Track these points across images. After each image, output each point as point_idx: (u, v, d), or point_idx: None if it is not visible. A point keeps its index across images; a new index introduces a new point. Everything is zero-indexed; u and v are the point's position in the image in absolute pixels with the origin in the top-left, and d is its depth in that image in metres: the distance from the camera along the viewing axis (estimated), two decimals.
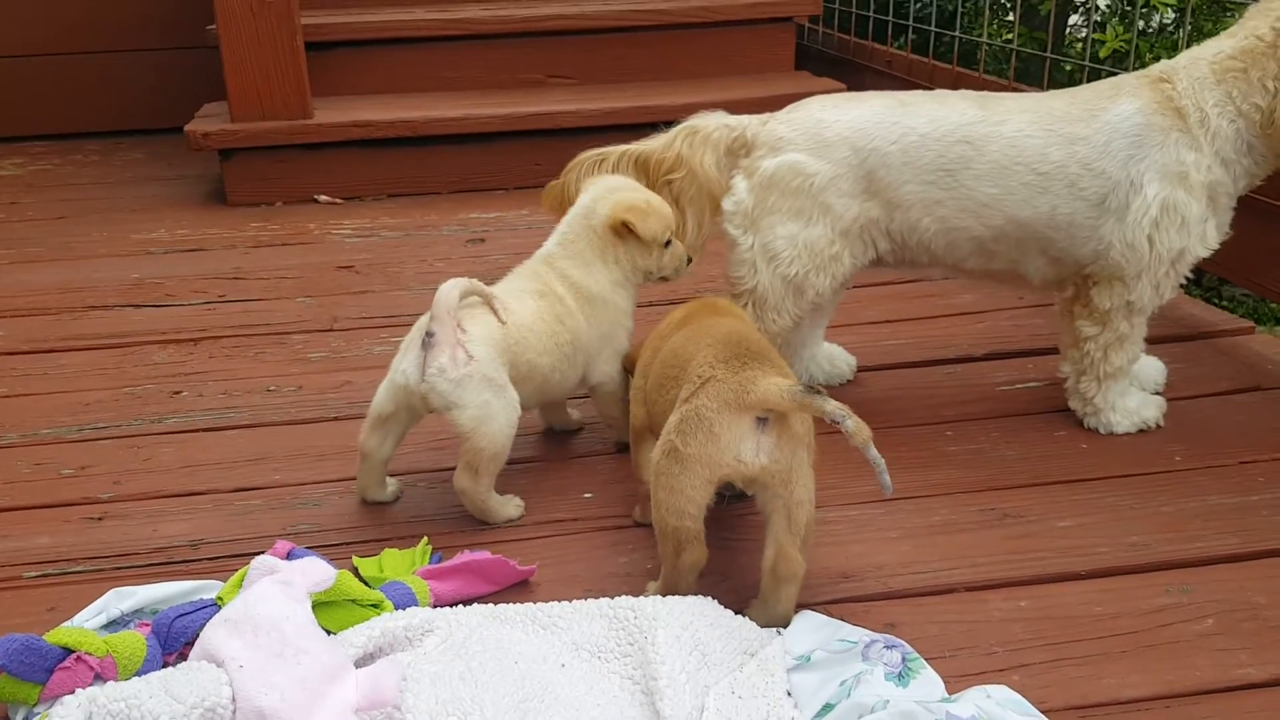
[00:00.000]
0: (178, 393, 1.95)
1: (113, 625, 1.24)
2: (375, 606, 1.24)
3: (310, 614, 1.14)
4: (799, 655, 1.18)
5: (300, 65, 3.08)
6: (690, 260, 1.68)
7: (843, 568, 1.38)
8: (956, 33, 3.12)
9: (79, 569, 1.43)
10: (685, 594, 1.26)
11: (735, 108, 1.81)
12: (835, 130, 1.66)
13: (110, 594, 1.27)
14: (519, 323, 1.49)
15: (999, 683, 1.14)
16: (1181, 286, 1.68)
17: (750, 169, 1.71)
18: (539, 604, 1.27)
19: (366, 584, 1.29)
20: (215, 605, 1.20)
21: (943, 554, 1.41)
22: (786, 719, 1.10)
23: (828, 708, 1.10)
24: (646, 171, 1.78)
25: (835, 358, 1.93)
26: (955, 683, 1.15)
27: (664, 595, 1.26)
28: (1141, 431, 1.70)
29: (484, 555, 1.34)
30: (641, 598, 1.25)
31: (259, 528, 1.51)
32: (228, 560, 1.43)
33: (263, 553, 1.27)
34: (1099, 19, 3.86)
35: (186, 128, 3.06)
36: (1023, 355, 1.99)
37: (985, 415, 1.77)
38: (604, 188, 1.63)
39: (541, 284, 1.57)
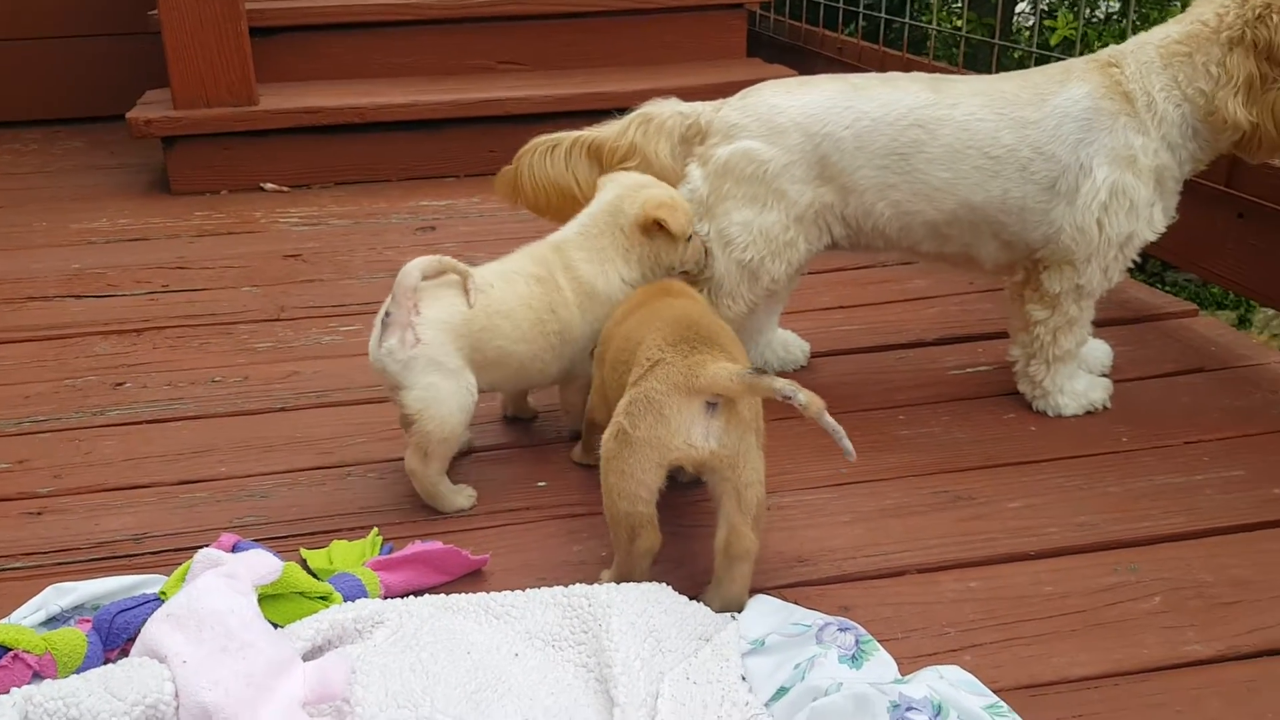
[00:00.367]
0: (120, 384, 1.90)
1: (52, 622, 1.21)
2: (324, 599, 1.22)
3: (256, 607, 1.11)
4: (754, 639, 1.17)
5: (245, 50, 3.02)
6: (708, 252, 1.68)
7: (797, 552, 1.38)
8: (906, 19, 3.13)
9: (17, 565, 1.39)
10: (640, 580, 1.25)
11: (688, 94, 1.80)
12: (788, 116, 1.65)
13: (50, 590, 1.24)
14: (495, 308, 1.47)
15: (951, 663, 1.15)
16: (1128, 270, 1.70)
17: (705, 157, 1.70)
18: (492, 593, 1.26)
19: (315, 576, 1.27)
20: (158, 600, 1.17)
21: (895, 537, 1.41)
22: (741, 703, 1.10)
23: (782, 691, 1.10)
24: (599, 159, 1.77)
25: (790, 344, 1.93)
26: (908, 664, 1.16)
27: (618, 582, 1.25)
28: (1089, 413, 1.72)
29: (435, 545, 1.32)
30: (595, 585, 1.24)
31: (204, 521, 1.48)
32: (172, 554, 1.40)
33: (208, 546, 1.24)
34: (1045, 7, 3.90)
35: (128, 115, 2.99)
36: (973, 340, 2.00)
37: (937, 399, 1.79)
38: (627, 185, 1.61)
39: (543, 270, 1.54)
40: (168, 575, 1.23)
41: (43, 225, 2.80)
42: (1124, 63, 1.60)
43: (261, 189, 3.08)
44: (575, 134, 1.79)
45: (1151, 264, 3.28)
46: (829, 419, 1.16)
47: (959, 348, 1.98)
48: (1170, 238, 1.67)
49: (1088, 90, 1.59)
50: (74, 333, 2.12)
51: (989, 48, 2.94)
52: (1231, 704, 1.12)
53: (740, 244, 1.67)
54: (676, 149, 1.75)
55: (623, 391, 1.27)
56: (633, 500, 1.21)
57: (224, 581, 1.10)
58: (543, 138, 1.79)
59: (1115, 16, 3.89)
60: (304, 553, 1.37)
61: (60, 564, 1.39)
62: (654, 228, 1.55)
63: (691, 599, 1.24)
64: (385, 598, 1.26)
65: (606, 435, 1.23)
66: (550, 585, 1.27)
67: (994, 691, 1.10)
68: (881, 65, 3.09)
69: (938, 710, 1.02)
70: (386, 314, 1.42)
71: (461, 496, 1.50)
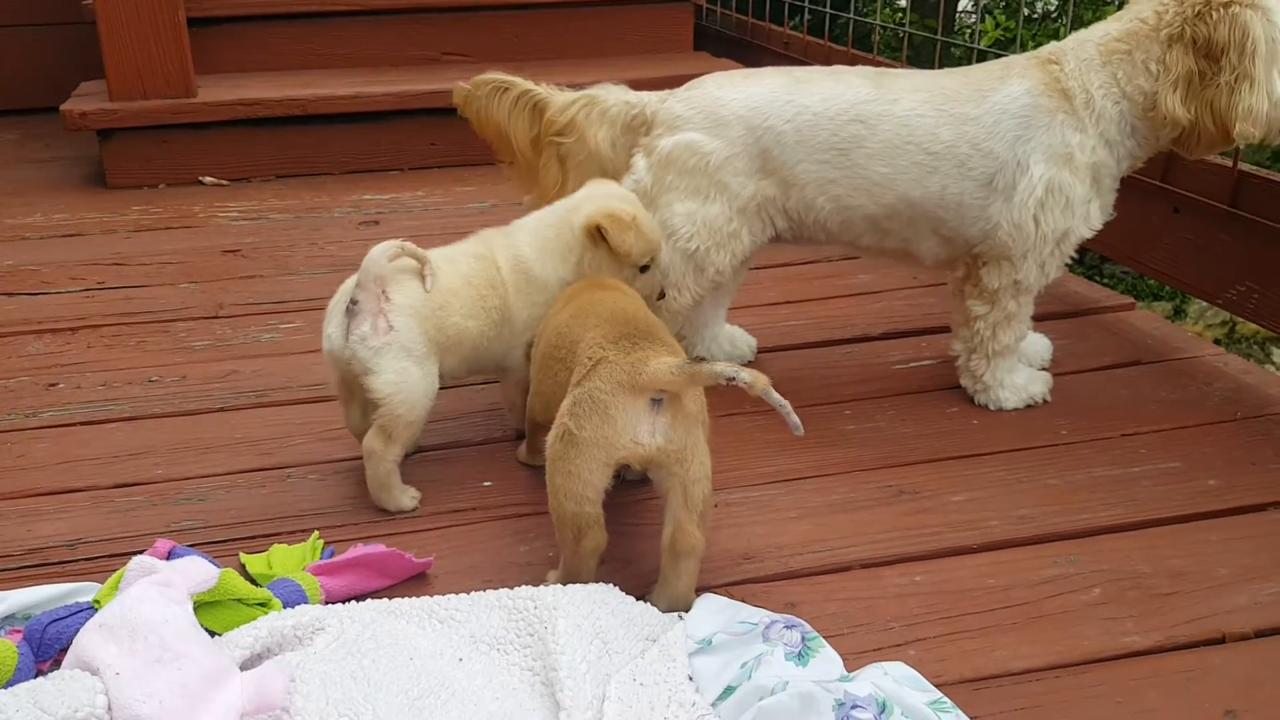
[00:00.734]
0: (54, 385, 1.86)
1: None
2: (263, 605, 1.19)
3: (191, 616, 1.09)
4: (700, 639, 1.17)
5: (183, 41, 2.96)
6: (664, 295, 1.65)
7: (744, 549, 1.39)
8: (850, 14, 3.15)
9: None
10: (586, 580, 1.24)
11: (634, 87, 1.79)
12: (731, 109, 1.65)
13: None
14: (444, 287, 1.47)
15: (896, 658, 1.16)
16: (1066, 265, 1.72)
17: (649, 148, 1.70)
18: (435, 597, 1.24)
19: (254, 582, 1.25)
20: (91, 609, 1.14)
21: (841, 532, 1.42)
22: (688, 704, 1.10)
23: (729, 690, 1.10)
24: (539, 122, 1.77)
25: (736, 339, 1.93)
26: (854, 659, 1.16)
27: (565, 583, 1.24)
28: (1029, 406, 1.74)
29: (378, 548, 1.30)
30: (541, 587, 1.23)
31: (141, 525, 1.45)
32: (108, 560, 1.36)
33: (143, 552, 1.21)
34: (987, 5, 3.94)
35: (62, 107, 2.92)
36: (917, 334, 2.02)
37: (882, 394, 1.80)
38: (600, 191, 1.59)
39: (484, 248, 1.55)
40: (102, 583, 1.20)
41: None
42: (1064, 60, 1.62)
43: (200, 183, 3.02)
44: (526, 86, 1.78)
45: (1090, 257, 3.34)
46: (775, 394, 1.17)
47: (904, 342, 1.99)
48: (1108, 231, 1.69)
49: (1027, 87, 1.61)
50: (6, 332, 2.06)
51: (932, 45, 2.97)
52: (1169, 694, 1.14)
53: (684, 234, 1.67)
54: (618, 139, 1.75)
55: (555, 385, 1.26)
56: (579, 501, 1.20)
57: (158, 590, 1.08)
58: (498, 76, 1.79)
59: (1053, 16, 3.94)
60: (243, 558, 1.34)
61: None
62: (597, 235, 1.54)
63: (639, 599, 1.24)
64: (326, 603, 1.24)
65: (552, 436, 1.22)
66: (496, 587, 1.26)
67: (937, 685, 1.11)
68: (827, 60, 3.10)
69: (882, 707, 1.02)
70: (354, 302, 1.41)
71: (405, 497, 1.48)
